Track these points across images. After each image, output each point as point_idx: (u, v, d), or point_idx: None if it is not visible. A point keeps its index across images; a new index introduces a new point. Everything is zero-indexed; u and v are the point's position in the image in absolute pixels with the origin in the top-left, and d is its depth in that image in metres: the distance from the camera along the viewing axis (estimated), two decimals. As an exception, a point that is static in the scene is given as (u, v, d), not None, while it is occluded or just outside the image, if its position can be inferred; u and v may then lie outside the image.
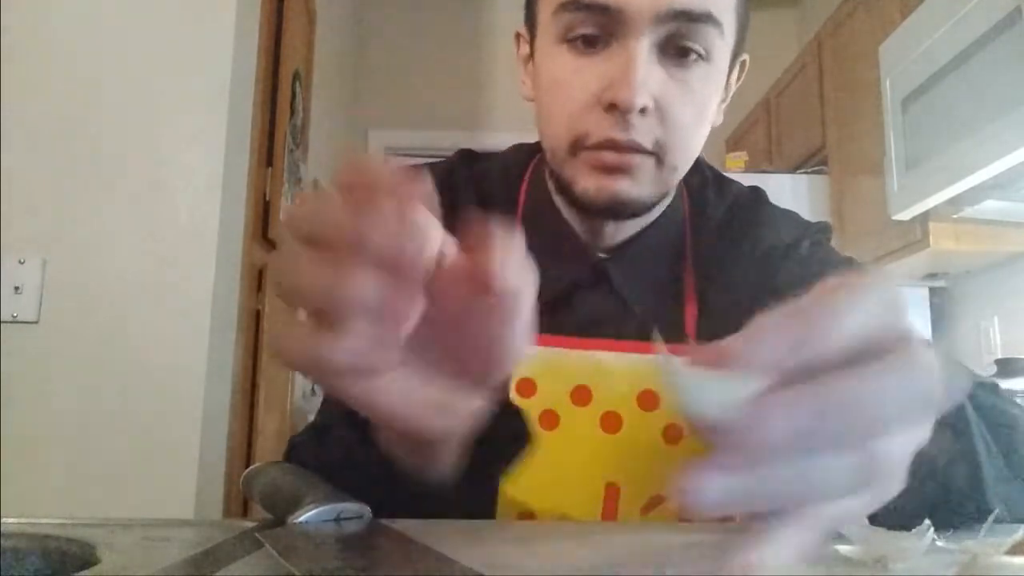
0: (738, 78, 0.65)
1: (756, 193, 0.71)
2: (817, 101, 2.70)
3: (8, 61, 1.37)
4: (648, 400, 0.60)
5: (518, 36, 0.67)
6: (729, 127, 3.51)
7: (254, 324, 1.79)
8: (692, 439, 0.58)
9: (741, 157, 2.97)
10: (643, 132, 0.55)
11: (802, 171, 2.75)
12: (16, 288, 1.33)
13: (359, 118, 3.55)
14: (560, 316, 0.63)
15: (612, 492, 0.59)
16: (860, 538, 0.32)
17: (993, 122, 1.61)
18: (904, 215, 2.02)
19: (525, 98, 0.65)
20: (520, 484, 0.59)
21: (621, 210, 0.59)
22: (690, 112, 0.56)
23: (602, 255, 0.65)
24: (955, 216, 1.95)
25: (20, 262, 1.34)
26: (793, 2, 3.72)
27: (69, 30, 1.42)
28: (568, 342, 0.62)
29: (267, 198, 1.88)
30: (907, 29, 1.99)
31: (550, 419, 0.60)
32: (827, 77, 2.65)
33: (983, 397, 0.49)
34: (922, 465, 0.38)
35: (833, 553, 0.33)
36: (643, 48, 0.54)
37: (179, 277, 1.38)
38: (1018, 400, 0.54)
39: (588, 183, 0.57)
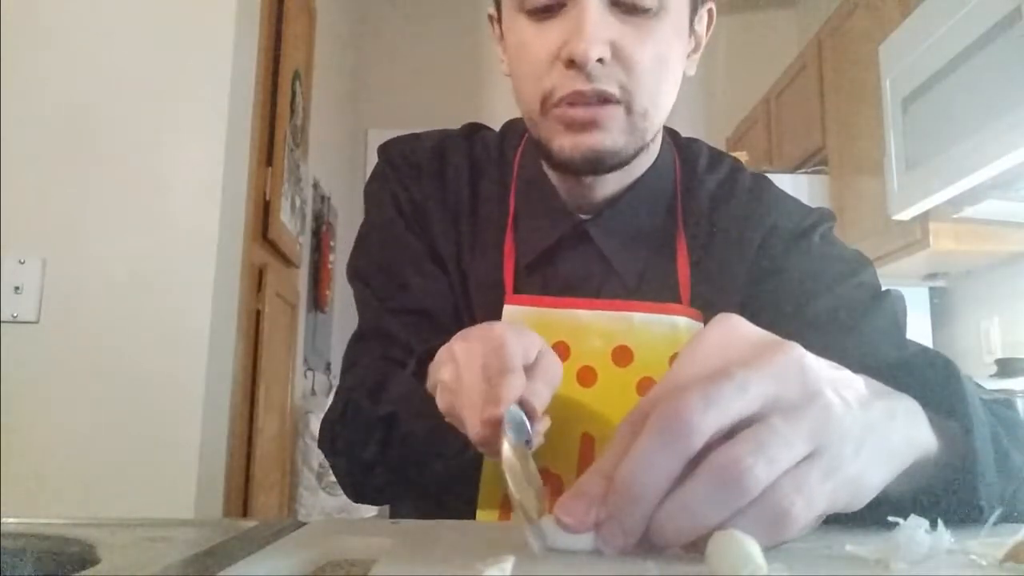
0: (708, 26, 0.68)
1: (758, 176, 0.74)
2: (817, 101, 2.69)
3: (8, 61, 1.37)
4: (622, 356, 0.64)
5: (491, 17, 0.71)
6: (729, 127, 3.50)
7: (254, 324, 1.79)
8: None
9: (741, 157, 2.97)
10: (606, 79, 0.58)
11: (802, 171, 2.75)
12: (16, 288, 1.32)
13: (359, 118, 3.55)
14: (546, 275, 0.67)
15: (587, 442, 0.63)
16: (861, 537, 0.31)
17: (993, 122, 1.61)
18: (904, 215, 2.02)
19: (505, 75, 0.68)
20: None
21: (599, 164, 0.61)
22: (650, 55, 0.59)
23: (584, 216, 0.68)
24: (955, 216, 1.94)
25: (20, 262, 1.34)
26: (793, 2, 3.72)
27: (69, 30, 1.41)
28: (551, 301, 0.66)
29: (267, 198, 1.88)
30: (907, 29, 1.99)
31: None
32: (827, 77, 2.65)
33: (1004, 413, 0.48)
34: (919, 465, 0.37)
35: (836, 552, 0.32)
36: (593, 5, 0.57)
37: (179, 277, 1.37)
38: (1018, 400, 0.54)
39: (563, 141, 0.60)
